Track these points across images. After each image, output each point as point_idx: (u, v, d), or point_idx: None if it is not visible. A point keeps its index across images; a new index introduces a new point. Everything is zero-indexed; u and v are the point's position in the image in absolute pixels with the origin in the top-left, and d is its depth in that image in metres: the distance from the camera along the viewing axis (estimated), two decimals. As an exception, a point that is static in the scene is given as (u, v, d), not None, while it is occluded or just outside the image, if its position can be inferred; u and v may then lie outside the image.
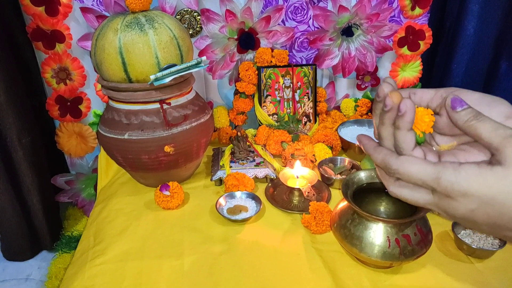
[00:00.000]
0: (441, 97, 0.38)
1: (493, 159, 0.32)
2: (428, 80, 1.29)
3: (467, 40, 1.17)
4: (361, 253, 0.60)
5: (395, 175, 0.36)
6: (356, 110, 1.26)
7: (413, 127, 0.36)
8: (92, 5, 1.03)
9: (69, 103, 1.09)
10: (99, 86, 1.10)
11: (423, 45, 1.19)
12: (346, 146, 1.05)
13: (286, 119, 1.15)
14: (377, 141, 0.39)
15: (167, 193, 0.83)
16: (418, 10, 1.15)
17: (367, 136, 0.40)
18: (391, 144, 0.37)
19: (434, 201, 0.34)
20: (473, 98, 0.36)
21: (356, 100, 1.27)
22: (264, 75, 1.11)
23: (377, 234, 0.60)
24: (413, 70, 1.23)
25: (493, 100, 0.36)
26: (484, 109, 0.35)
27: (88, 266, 0.69)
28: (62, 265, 1.06)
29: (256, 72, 1.11)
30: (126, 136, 0.81)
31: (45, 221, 1.11)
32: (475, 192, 0.31)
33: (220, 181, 0.93)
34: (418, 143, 0.37)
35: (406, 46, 1.18)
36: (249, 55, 1.15)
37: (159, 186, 0.84)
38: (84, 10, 1.01)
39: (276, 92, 1.13)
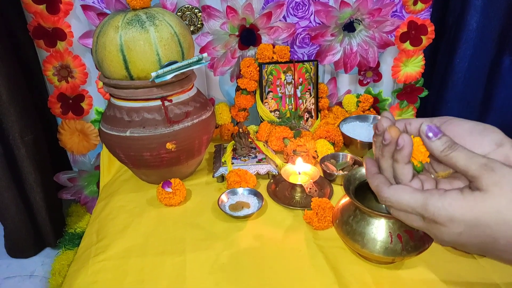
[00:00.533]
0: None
1: (472, 186, 0.34)
2: (430, 75, 1.29)
3: (470, 35, 1.16)
4: (363, 249, 0.60)
5: (386, 203, 0.39)
6: (358, 106, 1.26)
7: (411, 158, 0.38)
8: (93, 2, 1.03)
9: (71, 101, 1.09)
10: (100, 83, 1.10)
11: (426, 40, 1.18)
12: (348, 142, 1.05)
13: (288, 115, 1.15)
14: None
15: (169, 190, 0.83)
16: (420, 5, 1.14)
17: (372, 161, 0.42)
18: (391, 174, 0.40)
19: (425, 226, 0.37)
20: (466, 127, 0.39)
21: (358, 96, 1.27)
22: (266, 71, 1.11)
23: (379, 229, 0.59)
24: (415, 65, 1.23)
25: (485, 129, 0.38)
26: (476, 138, 0.37)
27: (91, 263, 0.69)
28: (66, 262, 1.07)
29: (258, 68, 1.11)
30: (127, 133, 0.81)
31: (48, 218, 1.11)
32: (460, 216, 0.33)
33: (222, 178, 0.93)
34: (417, 172, 0.39)
35: (408, 41, 1.18)
36: (251, 52, 1.15)
37: (161, 183, 0.84)
38: (85, 7, 1.01)
39: (278, 89, 1.13)
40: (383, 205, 0.69)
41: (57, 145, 1.15)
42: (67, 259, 1.08)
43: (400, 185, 0.38)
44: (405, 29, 1.16)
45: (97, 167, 1.16)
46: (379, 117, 1.11)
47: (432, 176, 0.40)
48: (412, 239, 0.59)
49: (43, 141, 1.07)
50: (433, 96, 1.29)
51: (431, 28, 1.17)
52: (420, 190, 0.36)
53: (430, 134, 0.36)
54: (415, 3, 1.14)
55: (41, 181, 1.06)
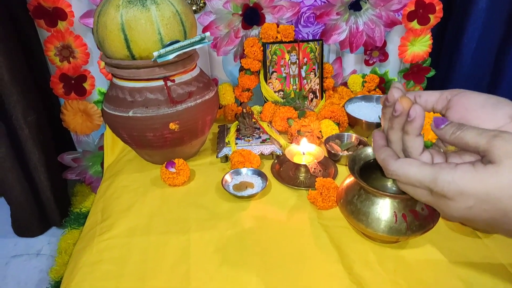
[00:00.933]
0: (446, 99, 0.40)
1: (484, 160, 0.33)
2: (438, 55, 1.26)
3: (479, 15, 1.13)
4: (367, 228, 0.60)
5: (393, 177, 0.38)
6: (363, 86, 1.24)
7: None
8: (93, -20, 1.01)
9: (73, 81, 1.09)
10: (102, 63, 1.09)
11: (433, 19, 1.15)
12: (353, 122, 1.04)
13: (292, 95, 1.13)
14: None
15: (173, 170, 0.83)
16: (428, -18, 1.11)
17: (380, 133, 0.41)
18: (400, 147, 0.38)
19: (433, 201, 0.36)
20: (478, 101, 0.37)
21: (363, 76, 1.25)
22: (270, 51, 1.09)
23: (383, 209, 0.59)
24: (422, 44, 1.20)
25: (498, 102, 0.37)
26: (489, 110, 0.36)
27: (96, 241, 0.70)
28: (71, 241, 1.08)
29: (262, 48, 1.09)
30: (130, 114, 0.80)
31: (53, 198, 1.12)
32: (470, 189, 0.32)
33: (226, 158, 0.93)
34: (427, 147, 0.38)
35: (415, 20, 1.15)
36: (254, 31, 1.13)
37: (165, 163, 0.84)
38: (86, -15, 0.99)
39: (282, 69, 1.12)
40: (388, 185, 0.69)
41: (60, 125, 1.15)
42: (73, 238, 1.09)
43: (408, 159, 0.37)
44: (413, 8, 1.13)
45: (101, 148, 1.16)
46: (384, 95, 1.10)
47: (442, 150, 0.39)
48: (417, 219, 0.59)
49: (46, 122, 1.07)
50: (440, 76, 1.27)
51: (439, 7, 1.14)
52: (430, 164, 0.35)
53: (439, 124, 0.36)
54: (423, -20, 1.11)
55: (45, 161, 1.06)
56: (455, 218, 0.35)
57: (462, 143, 0.34)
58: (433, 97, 0.40)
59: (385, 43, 1.21)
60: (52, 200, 1.12)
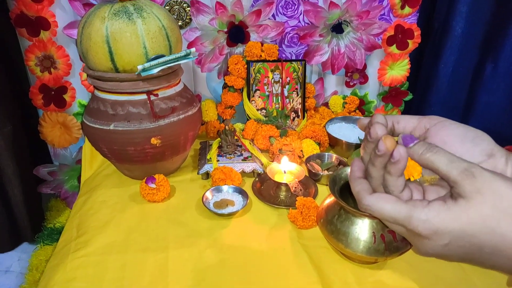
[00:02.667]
0: (424, 128, 0.39)
1: (454, 192, 0.33)
2: (415, 79, 1.30)
3: (455, 41, 1.18)
4: (346, 248, 0.61)
5: (366, 211, 0.37)
6: (344, 107, 1.27)
7: (404, 172, 0.36)
8: (79, -8, 1.00)
9: (53, 92, 1.07)
10: (84, 75, 1.08)
11: (412, 44, 1.20)
12: (333, 143, 1.06)
13: (275, 114, 1.14)
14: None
15: (153, 185, 0.82)
16: (407, 9, 1.16)
17: (359, 163, 0.40)
18: (379, 183, 0.37)
19: (408, 236, 0.36)
20: (457, 133, 0.37)
21: (344, 97, 1.28)
22: (253, 69, 1.11)
23: (362, 229, 0.60)
24: (401, 68, 1.24)
25: (477, 136, 0.37)
26: (468, 145, 0.36)
27: (70, 258, 0.68)
28: (44, 257, 1.04)
29: (245, 66, 1.10)
30: (111, 127, 0.79)
31: (26, 212, 1.08)
32: (445, 228, 0.32)
33: (207, 175, 0.92)
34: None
35: (395, 45, 1.19)
36: (239, 49, 1.14)
37: (145, 178, 0.83)
38: (71, -3, 0.99)
39: (265, 87, 1.13)
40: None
41: (37, 137, 1.12)
42: (45, 255, 1.05)
43: (383, 194, 0.36)
44: (392, 33, 1.17)
45: (79, 161, 1.13)
46: (363, 118, 1.12)
47: (418, 180, 0.39)
48: (395, 240, 0.59)
49: (22, 133, 1.04)
50: (418, 100, 1.31)
51: (417, 32, 1.18)
52: (404, 201, 0.35)
53: (408, 142, 0.35)
54: (402, 7, 1.15)
55: (19, 174, 1.03)
56: (430, 255, 0.35)
57: (431, 166, 0.34)
58: (411, 124, 0.40)
59: (365, 66, 1.25)
60: (25, 214, 1.08)
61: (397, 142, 0.36)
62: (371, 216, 0.59)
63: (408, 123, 0.40)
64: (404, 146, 0.35)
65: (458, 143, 0.37)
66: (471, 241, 0.32)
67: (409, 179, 0.37)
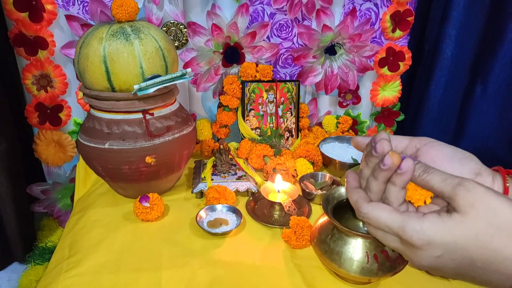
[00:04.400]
0: (415, 147, 0.41)
1: (449, 207, 0.35)
2: (407, 99, 1.33)
3: (445, 63, 1.21)
4: (340, 268, 0.61)
5: (364, 219, 0.38)
6: (337, 127, 1.28)
7: (412, 198, 0.38)
8: (77, 13, 1.02)
9: (49, 111, 1.07)
10: (80, 94, 1.08)
11: (403, 66, 1.22)
12: (327, 162, 1.07)
13: (269, 133, 1.15)
14: (361, 181, 0.41)
15: (147, 204, 0.82)
16: (398, 33, 1.19)
17: (353, 175, 0.42)
18: (378, 198, 0.38)
19: (402, 248, 0.37)
20: (446, 152, 0.39)
21: (337, 117, 1.29)
22: (248, 89, 1.12)
23: (356, 249, 0.60)
24: (392, 90, 1.27)
25: (465, 157, 0.39)
26: (456, 165, 0.38)
27: (62, 278, 0.67)
28: (34, 277, 1.03)
29: (240, 86, 1.12)
30: (106, 146, 0.80)
31: (18, 231, 1.07)
32: (439, 239, 0.33)
33: (201, 194, 0.92)
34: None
35: (386, 67, 1.22)
36: (234, 69, 1.16)
37: (139, 197, 0.83)
38: (69, 18, 1.00)
39: (260, 107, 1.14)
40: (361, 225, 0.70)
41: (31, 155, 1.12)
42: (36, 275, 1.04)
43: (380, 203, 0.37)
44: (384, 55, 1.20)
45: (72, 180, 1.13)
46: (358, 137, 1.13)
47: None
48: (388, 260, 0.60)
49: (17, 151, 1.04)
50: (409, 120, 1.33)
51: (408, 55, 1.21)
52: (399, 212, 0.36)
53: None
54: (393, 30, 1.18)
55: (13, 192, 1.02)
56: (423, 267, 0.36)
57: (427, 186, 0.36)
58: (403, 144, 0.41)
59: (358, 87, 1.27)
60: (17, 233, 1.06)
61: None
62: (364, 236, 0.60)
63: (400, 143, 0.41)
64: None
65: (447, 162, 0.38)
66: (463, 254, 0.33)
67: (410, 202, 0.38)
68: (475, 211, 0.32)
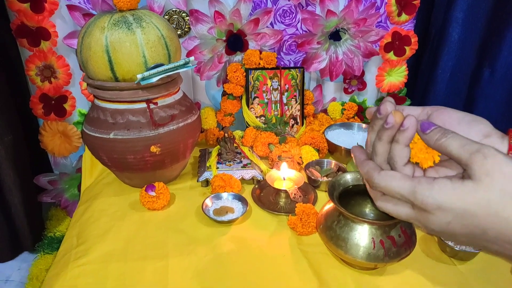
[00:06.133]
0: (427, 114, 0.41)
1: (465, 174, 0.34)
2: (413, 85, 1.31)
3: (452, 46, 1.19)
4: (346, 254, 0.61)
5: (377, 189, 0.38)
6: (343, 114, 1.27)
7: (418, 158, 0.37)
8: (79, 3, 1.02)
9: (53, 102, 1.07)
10: (84, 84, 1.08)
11: (409, 51, 1.20)
12: (332, 149, 1.06)
13: (274, 121, 1.15)
14: (368, 151, 0.41)
15: (153, 193, 0.82)
16: (404, 17, 1.17)
17: (359, 148, 0.42)
18: (384, 159, 0.39)
19: (414, 215, 0.36)
20: (455, 117, 0.39)
21: (343, 104, 1.28)
22: (252, 77, 1.11)
23: (362, 235, 0.60)
24: (398, 75, 1.25)
25: (473, 120, 0.39)
26: (464, 127, 0.37)
27: (70, 267, 0.68)
28: (44, 266, 1.04)
29: (244, 74, 1.11)
30: (111, 136, 0.80)
31: (27, 221, 1.08)
32: (449, 205, 0.33)
33: (207, 182, 0.92)
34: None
35: (392, 52, 1.20)
36: (237, 57, 1.15)
37: (145, 186, 0.83)
38: (71, 7, 1.00)
39: (264, 94, 1.14)
40: (367, 211, 0.70)
41: (38, 146, 1.12)
42: (46, 264, 1.05)
43: (390, 171, 0.37)
44: (389, 40, 1.18)
45: (79, 170, 1.14)
46: (363, 125, 1.13)
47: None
48: (394, 245, 0.60)
49: (23, 142, 1.05)
50: (416, 105, 1.31)
51: (414, 39, 1.19)
52: (410, 177, 0.36)
53: (425, 128, 0.37)
54: (399, 14, 1.16)
55: (20, 183, 1.03)
56: (435, 232, 0.36)
57: (445, 151, 0.35)
58: (415, 112, 0.42)
59: (363, 73, 1.25)
60: (26, 223, 1.08)
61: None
62: (371, 222, 0.60)
63: (412, 111, 0.42)
64: (422, 131, 0.37)
65: (456, 125, 0.38)
66: (473, 222, 0.33)
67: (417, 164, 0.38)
68: (489, 179, 0.32)
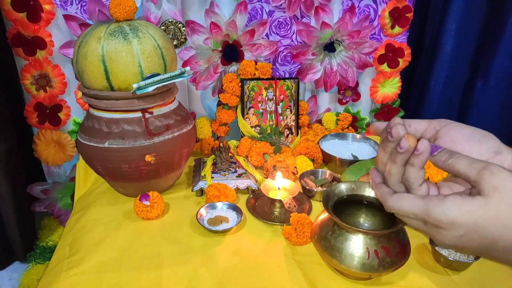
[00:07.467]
0: (435, 129, 0.42)
1: (473, 190, 0.36)
2: (407, 95, 1.33)
3: (445, 58, 1.21)
4: (341, 264, 0.61)
5: (391, 211, 0.40)
6: (337, 124, 1.28)
7: (428, 174, 0.39)
8: (75, 13, 1.02)
9: (48, 111, 1.07)
10: (79, 93, 1.08)
11: (402, 63, 1.22)
12: (327, 159, 1.07)
13: (269, 131, 1.15)
14: (380, 169, 0.43)
15: (147, 203, 0.82)
16: (397, 29, 1.18)
17: (376, 172, 0.44)
18: (398, 180, 0.40)
19: (427, 230, 0.38)
20: (464, 133, 0.40)
21: (337, 114, 1.29)
22: (248, 87, 1.12)
23: (356, 245, 0.60)
24: (392, 86, 1.26)
25: (483, 136, 0.40)
26: (474, 144, 0.39)
27: (62, 277, 0.67)
28: (35, 276, 1.03)
29: (240, 84, 1.12)
30: (106, 145, 0.80)
31: (19, 231, 1.07)
32: (461, 220, 0.35)
33: (201, 192, 0.92)
34: None
35: (386, 63, 1.22)
36: (233, 67, 1.16)
37: (139, 196, 0.83)
38: (67, 17, 1.00)
39: (259, 104, 1.14)
40: (361, 221, 0.70)
41: (31, 155, 1.12)
42: (37, 274, 1.04)
43: (402, 194, 0.39)
44: (383, 52, 1.20)
45: (72, 179, 1.13)
46: (358, 135, 1.14)
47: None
48: (389, 255, 0.60)
49: (17, 151, 1.04)
50: (410, 116, 1.33)
51: (407, 51, 1.21)
52: (421, 197, 0.37)
53: (432, 151, 0.38)
54: (392, 27, 1.18)
55: (13, 192, 1.02)
56: (447, 246, 0.37)
57: (453, 170, 0.37)
58: (422, 127, 0.42)
59: (357, 84, 1.27)
60: (18, 233, 1.07)
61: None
62: (365, 232, 0.60)
63: (419, 126, 0.43)
64: (430, 155, 0.38)
65: (466, 142, 0.39)
66: (484, 234, 0.34)
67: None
68: (498, 194, 0.33)
